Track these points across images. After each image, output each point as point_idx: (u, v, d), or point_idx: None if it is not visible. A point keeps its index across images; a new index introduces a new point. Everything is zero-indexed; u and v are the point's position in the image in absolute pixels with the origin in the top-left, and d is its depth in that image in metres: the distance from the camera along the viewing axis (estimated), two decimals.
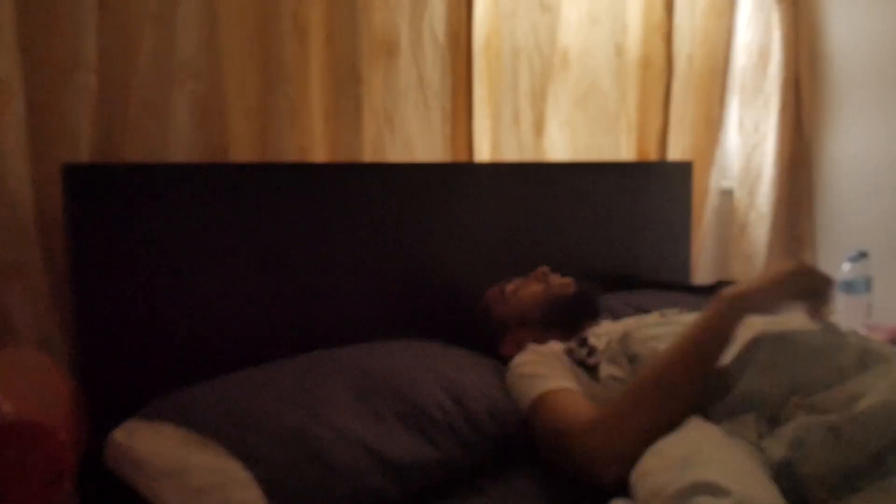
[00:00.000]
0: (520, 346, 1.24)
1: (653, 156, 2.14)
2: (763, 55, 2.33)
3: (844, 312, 1.91)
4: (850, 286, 1.94)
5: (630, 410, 0.94)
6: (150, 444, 0.97)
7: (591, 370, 1.12)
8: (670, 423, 0.88)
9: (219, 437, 0.92)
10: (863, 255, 1.96)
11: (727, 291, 0.98)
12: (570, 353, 1.16)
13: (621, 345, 1.11)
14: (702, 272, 2.34)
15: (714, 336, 0.96)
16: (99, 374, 1.13)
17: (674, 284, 1.91)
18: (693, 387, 0.94)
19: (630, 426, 0.92)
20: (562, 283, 1.37)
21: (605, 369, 1.10)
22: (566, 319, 1.30)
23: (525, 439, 1.07)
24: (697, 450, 0.81)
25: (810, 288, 0.98)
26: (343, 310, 1.38)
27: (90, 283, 1.12)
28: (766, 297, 0.98)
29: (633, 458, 0.85)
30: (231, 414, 0.97)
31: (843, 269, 1.97)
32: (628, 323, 1.23)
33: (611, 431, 0.93)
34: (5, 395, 0.86)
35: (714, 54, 2.25)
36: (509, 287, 1.39)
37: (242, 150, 1.39)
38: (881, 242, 2.16)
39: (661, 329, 1.12)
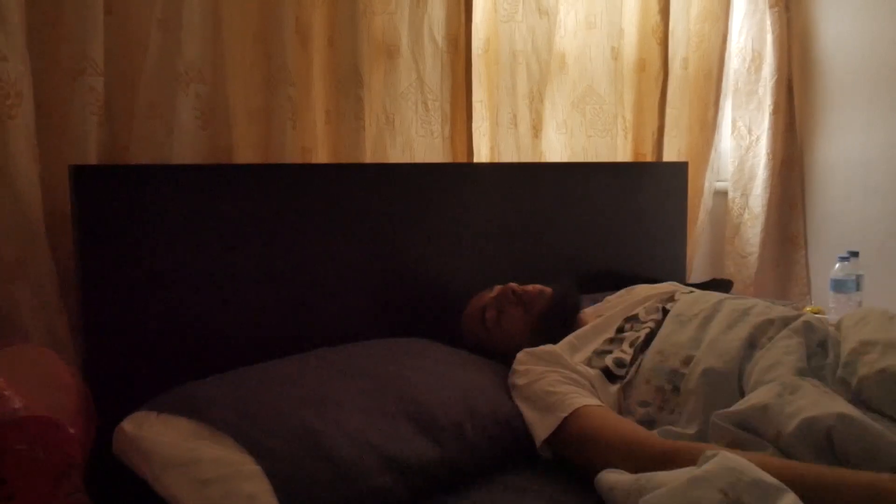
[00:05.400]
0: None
1: (649, 157, 2.16)
2: (756, 59, 2.37)
3: (836, 310, 1.95)
4: (841, 285, 1.98)
5: None
6: (159, 434, 0.98)
7: (612, 377, 1.12)
8: None
9: (229, 429, 0.93)
10: (854, 255, 1.99)
11: None
12: (589, 362, 1.15)
13: (658, 366, 1.10)
14: (696, 271, 2.37)
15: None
16: (105, 372, 1.14)
17: None
18: None
19: None
20: (536, 297, 1.32)
21: (638, 393, 1.10)
22: (555, 328, 1.27)
23: (529, 440, 1.07)
24: None
25: None
26: (344, 308, 1.40)
27: (97, 281, 1.13)
28: None
29: None
30: (241, 408, 0.98)
31: (835, 268, 2.00)
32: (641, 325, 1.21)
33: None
34: (15, 391, 0.88)
35: (708, 58, 2.28)
36: (488, 315, 1.33)
37: (246, 152, 1.40)
38: (872, 242, 2.20)
39: (686, 334, 1.12)
